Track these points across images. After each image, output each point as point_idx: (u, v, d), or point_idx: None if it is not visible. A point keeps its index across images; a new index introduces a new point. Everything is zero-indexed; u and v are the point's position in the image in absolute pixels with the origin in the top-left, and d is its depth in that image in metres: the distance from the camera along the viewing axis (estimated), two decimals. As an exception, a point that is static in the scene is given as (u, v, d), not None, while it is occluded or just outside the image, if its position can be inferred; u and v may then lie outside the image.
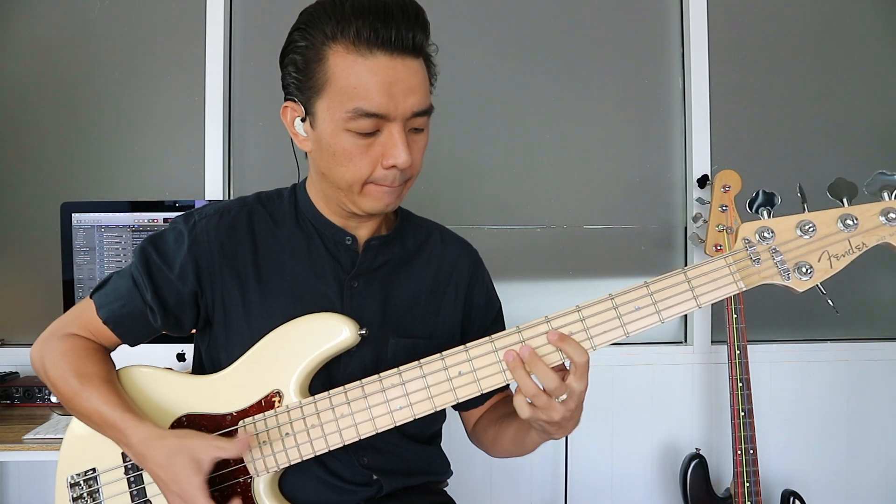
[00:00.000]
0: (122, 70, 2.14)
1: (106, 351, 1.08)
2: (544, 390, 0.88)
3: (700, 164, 2.18)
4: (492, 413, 1.17)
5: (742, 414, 1.86)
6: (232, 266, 1.04)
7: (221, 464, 0.98)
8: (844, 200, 0.89)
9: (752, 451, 1.86)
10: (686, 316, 2.23)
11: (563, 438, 1.16)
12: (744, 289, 0.90)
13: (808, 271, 0.89)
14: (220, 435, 0.98)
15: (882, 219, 0.88)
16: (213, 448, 0.93)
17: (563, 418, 0.89)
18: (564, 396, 0.88)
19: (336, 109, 0.93)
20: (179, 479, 0.91)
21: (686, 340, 2.23)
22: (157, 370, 1.05)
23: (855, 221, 0.88)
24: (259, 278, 1.05)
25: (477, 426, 1.19)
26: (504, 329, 1.17)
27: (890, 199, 0.89)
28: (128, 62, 2.14)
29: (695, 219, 1.99)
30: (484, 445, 1.18)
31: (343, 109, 0.92)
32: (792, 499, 1.97)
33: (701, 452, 1.98)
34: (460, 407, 1.19)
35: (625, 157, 2.23)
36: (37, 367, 1.05)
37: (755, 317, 1.99)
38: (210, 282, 1.04)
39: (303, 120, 0.99)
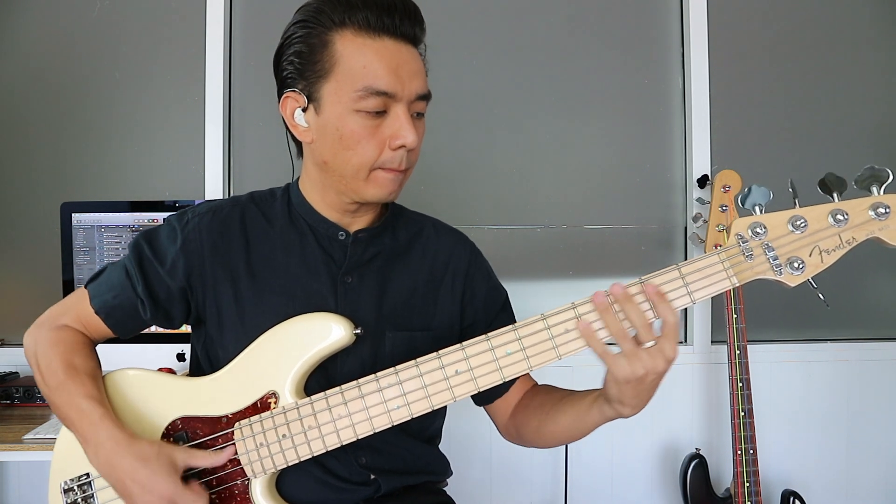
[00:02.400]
0: (122, 70, 2.14)
1: (94, 347, 1.08)
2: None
3: (700, 164, 2.18)
4: (532, 402, 1.13)
5: (742, 414, 1.86)
6: (224, 264, 1.05)
7: (219, 466, 0.98)
8: (835, 195, 0.89)
9: (752, 451, 1.86)
10: (686, 316, 2.23)
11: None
12: (736, 284, 0.90)
13: (800, 266, 0.89)
14: (214, 437, 0.98)
15: (871, 213, 0.89)
16: (188, 455, 0.94)
17: (646, 377, 0.87)
18: (651, 343, 0.87)
19: (344, 91, 0.95)
20: (155, 477, 0.91)
21: (686, 340, 2.23)
22: (151, 373, 1.05)
23: (845, 216, 0.89)
24: (252, 276, 1.05)
25: (515, 418, 1.15)
26: (513, 317, 1.18)
27: (879, 193, 0.89)
28: (128, 62, 2.15)
29: (695, 219, 1.99)
30: (525, 437, 1.14)
31: (352, 89, 0.94)
32: (792, 499, 1.97)
33: (701, 452, 1.98)
34: (483, 400, 1.17)
35: (625, 157, 2.23)
36: (29, 352, 1.05)
37: (755, 317, 1.99)
38: (201, 280, 1.05)
39: (304, 110, 0.99)
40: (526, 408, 1.14)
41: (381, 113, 0.96)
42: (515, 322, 0.93)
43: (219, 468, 0.98)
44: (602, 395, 0.95)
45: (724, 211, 1.89)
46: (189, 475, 0.97)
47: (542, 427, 1.09)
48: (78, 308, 1.07)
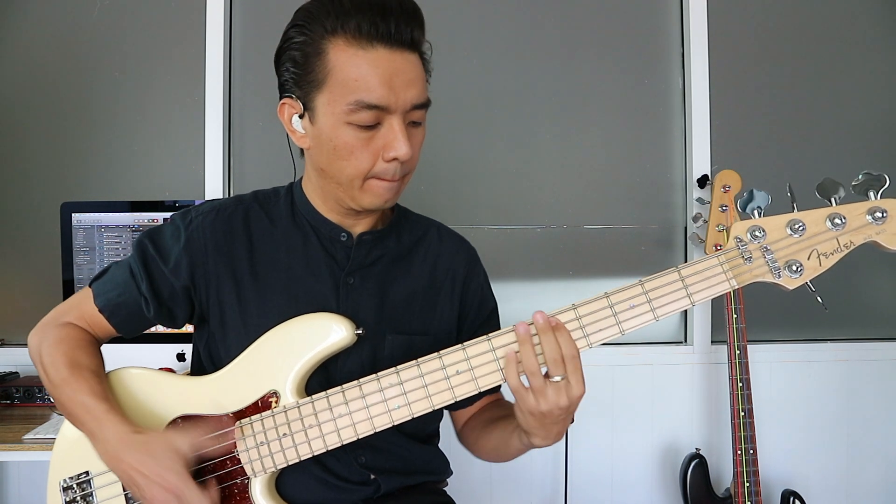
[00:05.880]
0: (122, 70, 2.14)
1: (99, 346, 1.08)
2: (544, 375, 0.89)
3: (700, 164, 2.18)
4: (480, 415, 1.18)
5: (742, 414, 1.86)
6: (227, 264, 1.05)
7: (219, 464, 0.98)
8: (832, 200, 0.91)
9: (752, 451, 1.86)
10: (686, 316, 2.23)
11: (563, 438, 1.16)
12: (736, 287, 0.91)
13: (798, 269, 0.90)
14: (214, 436, 0.98)
15: (869, 217, 0.90)
16: (193, 442, 0.93)
17: (550, 413, 0.88)
18: (559, 378, 0.88)
19: (337, 103, 0.94)
20: (161, 470, 0.90)
21: (686, 340, 2.23)
22: (152, 371, 1.05)
23: (843, 220, 0.90)
24: (255, 276, 1.05)
25: (465, 426, 1.20)
26: (498, 329, 1.18)
27: (876, 198, 0.90)
28: (128, 62, 2.14)
29: (695, 219, 1.99)
30: (468, 445, 1.19)
31: (344, 102, 0.93)
32: (792, 499, 1.97)
33: (701, 452, 1.98)
34: (450, 406, 1.19)
35: (625, 157, 2.23)
36: (33, 352, 1.05)
37: (755, 317, 1.99)
38: (204, 280, 1.05)
39: (301, 116, 0.99)
40: (476, 418, 1.18)
41: (374, 125, 0.94)
42: None
43: (218, 467, 0.98)
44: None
45: (724, 211, 1.89)
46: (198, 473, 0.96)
47: (478, 441, 1.14)
48: (82, 306, 1.07)
